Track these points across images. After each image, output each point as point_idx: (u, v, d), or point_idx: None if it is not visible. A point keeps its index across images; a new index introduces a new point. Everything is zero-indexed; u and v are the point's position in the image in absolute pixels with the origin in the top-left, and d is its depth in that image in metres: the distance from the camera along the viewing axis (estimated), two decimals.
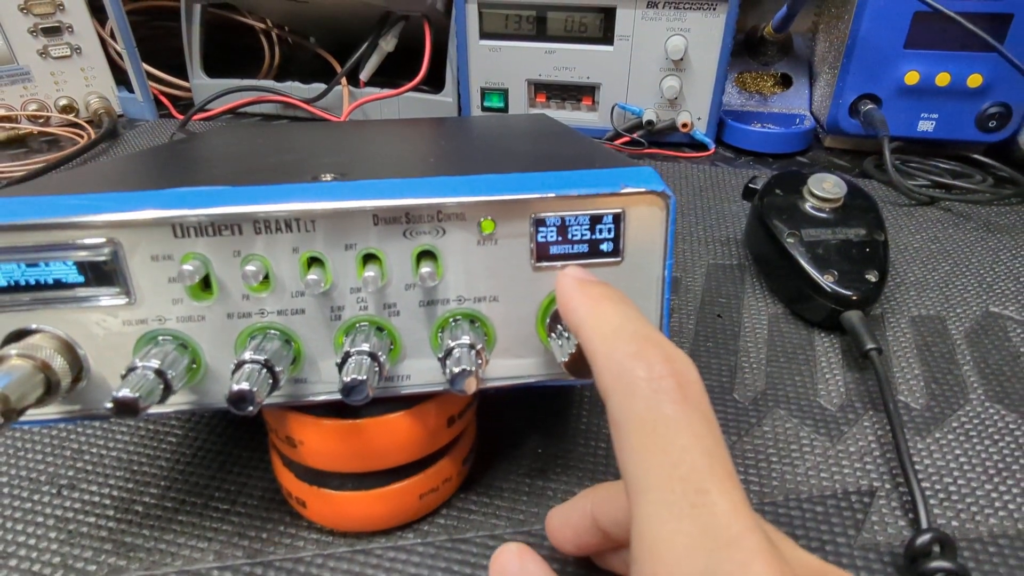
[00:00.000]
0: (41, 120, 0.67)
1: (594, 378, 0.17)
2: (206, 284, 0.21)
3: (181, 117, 0.72)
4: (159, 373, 0.20)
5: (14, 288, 0.20)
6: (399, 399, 0.23)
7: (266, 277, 0.21)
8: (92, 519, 0.27)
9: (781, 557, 0.13)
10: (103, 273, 0.20)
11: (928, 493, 0.28)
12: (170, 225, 0.20)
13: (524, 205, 0.21)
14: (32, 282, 0.20)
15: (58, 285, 0.20)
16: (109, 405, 0.18)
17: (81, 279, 0.20)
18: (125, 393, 0.18)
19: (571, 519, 0.23)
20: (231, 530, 0.26)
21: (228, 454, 0.30)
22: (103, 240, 0.20)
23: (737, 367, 0.35)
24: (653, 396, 0.15)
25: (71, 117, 0.68)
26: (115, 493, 0.28)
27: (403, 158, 0.29)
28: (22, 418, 0.19)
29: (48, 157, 0.59)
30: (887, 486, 0.28)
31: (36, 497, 0.28)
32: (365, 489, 0.25)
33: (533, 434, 0.31)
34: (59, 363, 0.20)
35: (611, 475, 0.29)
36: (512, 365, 0.23)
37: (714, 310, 0.40)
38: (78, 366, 0.21)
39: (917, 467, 0.29)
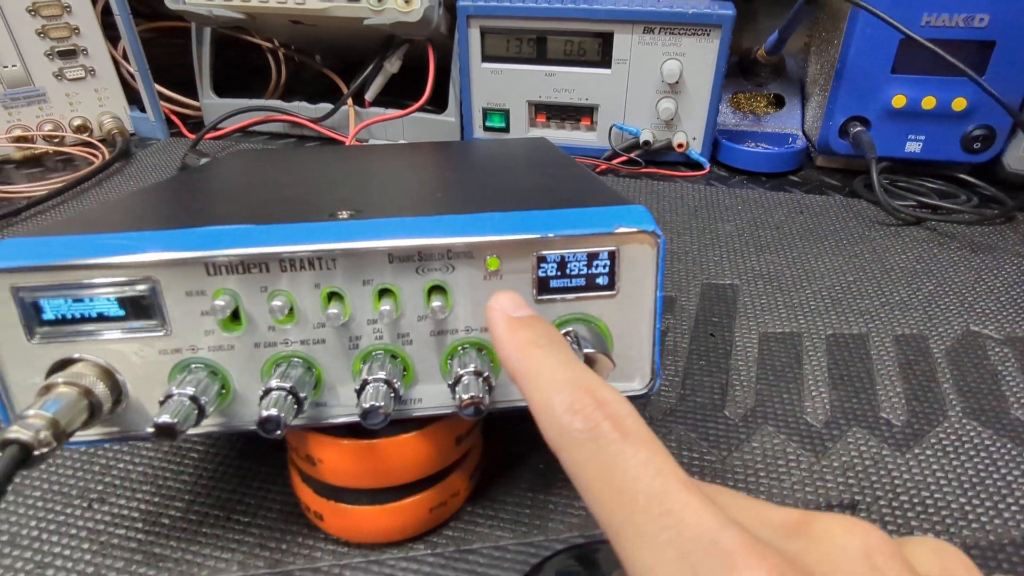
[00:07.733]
0: (56, 140, 0.69)
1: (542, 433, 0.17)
2: (235, 316, 0.22)
3: (191, 136, 0.74)
4: (194, 399, 0.21)
5: (61, 321, 0.22)
6: (411, 420, 0.25)
7: (291, 310, 0.22)
8: (122, 531, 0.29)
9: (759, 540, 0.14)
10: (142, 307, 0.22)
11: (907, 507, 0.29)
12: (203, 264, 0.22)
13: (527, 244, 0.22)
14: (77, 315, 0.22)
15: (101, 318, 0.22)
16: (150, 429, 0.20)
17: (122, 313, 0.22)
18: (165, 419, 0.20)
19: None
20: (252, 541, 0.28)
21: (248, 469, 0.31)
22: (143, 277, 0.21)
23: (728, 385, 0.37)
24: (594, 444, 0.16)
25: (85, 137, 0.70)
26: (142, 507, 0.30)
27: (413, 192, 0.31)
28: (69, 440, 0.21)
29: (64, 177, 0.61)
30: (867, 499, 0.30)
31: (68, 511, 0.29)
32: (379, 503, 0.26)
33: (536, 451, 0.32)
34: (101, 389, 0.22)
35: None
36: (516, 388, 0.25)
37: (707, 329, 0.42)
38: (118, 391, 0.23)
39: (896, 482, 0.31)
